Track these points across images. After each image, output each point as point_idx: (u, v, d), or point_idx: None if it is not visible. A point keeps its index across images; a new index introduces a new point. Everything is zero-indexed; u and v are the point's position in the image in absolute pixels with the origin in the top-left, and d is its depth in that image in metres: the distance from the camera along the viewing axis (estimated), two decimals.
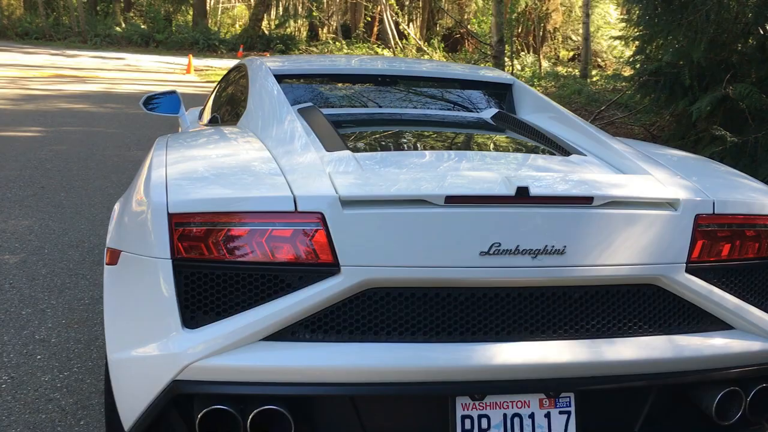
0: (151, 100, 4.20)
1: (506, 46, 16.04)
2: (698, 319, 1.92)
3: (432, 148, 2.56)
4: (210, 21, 35.29)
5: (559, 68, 24.19)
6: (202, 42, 31.43)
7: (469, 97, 3.31)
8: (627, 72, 13.81)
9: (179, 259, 1.77)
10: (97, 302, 3.71)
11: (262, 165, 2.00)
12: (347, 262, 1.73)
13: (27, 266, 4.19)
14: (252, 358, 1.74)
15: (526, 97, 3.22)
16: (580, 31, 32.72)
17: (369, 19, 26.39)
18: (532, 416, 1.83)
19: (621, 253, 1.83)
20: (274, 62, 3.34)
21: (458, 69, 3.59)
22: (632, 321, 1.88)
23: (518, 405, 1.82)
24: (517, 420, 1.82)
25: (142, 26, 32.23)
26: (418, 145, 2.58)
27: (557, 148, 2.44)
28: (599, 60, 29.05)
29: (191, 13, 35.62)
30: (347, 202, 1.75)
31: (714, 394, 1.90)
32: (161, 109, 4.21)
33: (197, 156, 2.19)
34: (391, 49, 20.84)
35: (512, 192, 1.78)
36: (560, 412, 1.84)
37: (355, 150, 2.18)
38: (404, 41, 21.57)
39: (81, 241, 4.76)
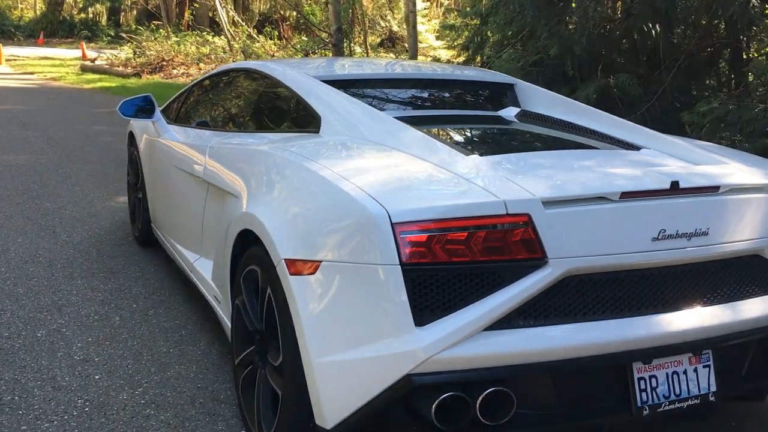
0: (129, 105, 4.08)
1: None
2: None
3: (517, 147, 2.82)
4: None
5: (387, 54, 24.88)
6: None
7: (485, 97, 3.61)
8: (463, 57, 14.65)
9: (407, 264, 1.93)
10: (107, 317, 3.60)
11: (437, 173, 2.19)
12: (553, 255, 1.99)
13: None
14: (478, 348, 1.94)
15: (533, 94, 3.57)
16: (389, 17, 33.75)
17: (198, 5, 25.51)
18: (685, 372, 2.20)
19: (739, 230, 2.25)
20: (303, 68, 3.43)
21: (466, 71, 3.86)
22: (744, 286, 2.30)
23: (675, 364, 2.18)
24: (675, 376, 2.18)
25: None
26: (514, 146, 2.84)
27: (618, 142, 2.82)
28: (406, 45, 30.24)
29: None
30: (547, 203, 2.01)
31: None
32: (140, 113, 4.10)
33: (365, 168, 2.30)
34: (224, 37, 20.37)
35: (667, 185, 2.13)
36: (703, 366, 2.23)
37: (481, 154, 2.41)
38: (234, 28, 21.18)
39: (33, 255, 4.50)
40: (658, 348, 2.13)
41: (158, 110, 4.17)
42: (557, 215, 2.01)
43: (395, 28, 30.67)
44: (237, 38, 20.42)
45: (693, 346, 2.19)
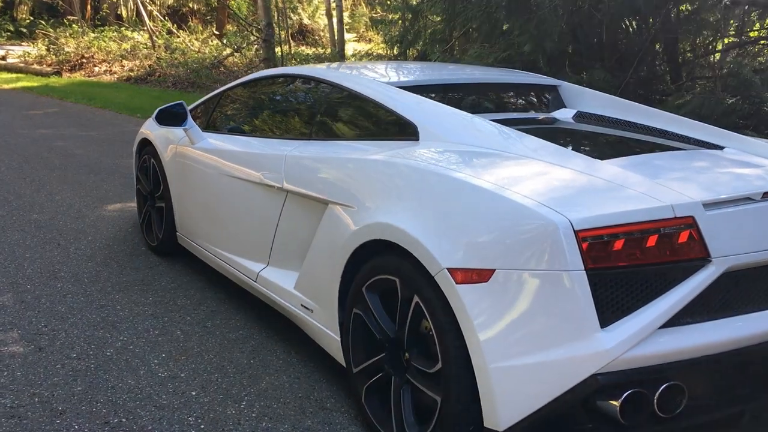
0: (163, 113, 3.98)
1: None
2: None
3: (627, 150, 2.89)
4: None
5: (304, 49, 24.71)
6: None
7: (537, 99, 3.73)
8: (395, 51, 14.82)
9: (591, 269, 2.03)
10: (167, 331, 3.52)
11: (590, 180, 2.28)
12: (716, 254, 2.13)
13: (42, 306, 3.79)
14: (656, 345, 2.07)
15: (578, 94, 3.72)
16: (299, 9, 33.42)
17: None
18: None
19: None
20: (366, 74, 3.45)
21: (511, 74, 3.96)
22: None
23: None
24: None
25: None
26: (622, 148, 2.93)
27: (695, 141, 3.00)
28: (317, 37, 30.23)
29: None
30: (706, 205, 2.14)
31: None
32: (174, 121, 4.00)
33: (517, 176, 2.34)
34: (144, 32, 19.72)
35: None
36: None
37: (602, 158, 2.52)
38: (152, 23, 20.52)
39: (52, 270, 4.32)
40: None
41: (191, 118, 4.07)
42: (715, 216, 2.15)
43: (306, 21, 30.47)
44: (158, 33, 19.83)
45: None
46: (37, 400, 2.85)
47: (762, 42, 8.21)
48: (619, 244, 2.05)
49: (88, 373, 3.09)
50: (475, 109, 3.37)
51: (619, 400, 2.04)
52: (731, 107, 6.09)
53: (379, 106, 3.11)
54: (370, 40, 30.09)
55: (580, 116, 3.52)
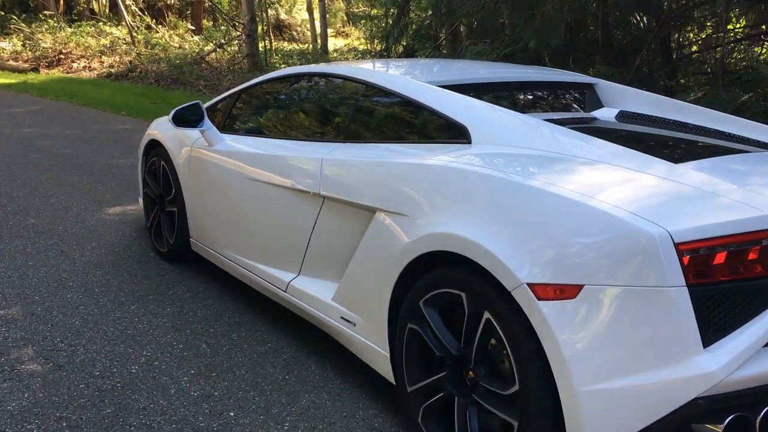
0: (179, 114, 3.78)
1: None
2: None
3: (699, 153, 2.72)
4: None
5: (285, 44, 24.42)
6: None
7: (574, 98, 3.57)
8: (379, 46, 14.61)
9: (693, 285, 1.88)
10: (192, 345, 3.33)
11: (678, 187, 2.12)
12: None
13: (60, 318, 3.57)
14: (759, 365, 1.93)
15: (616, 93, 3.57)
16: (276, 5, 33.04)
17: None
18: None
19: None
20: (403, 71, 3.27)
21: (546, 72, 3.80)
22: None
23: None
24: None
25: None
26: (694, 151, 2.77)
27: (757, 143, 2.87)
28: (294, 33, 29.93)
29: None
30: None
31: None
32: (190, 123, 3.80)
33: (598, 183, 2.18)
34: (124, 26, 19.28)
35: None
36: None
37: (676, 162, 2.38)
38: (132, 18, 20.09)
39: (59, 279, 4.10)
40: None
41: (207, 119, 3.87)
42: None
43: (283, 16, 30.13)
44: (136, 28, 19.44)
45: None
46: (65, 424, 2.65)
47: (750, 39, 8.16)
48: (721, 257, 1.91)
49: (116, 392, 2.89)
50: (520, 109, 3.21)
51: (722, 426, 1.90)
52: (743, 104, 6.00)
53: (423, 106, 2.93)
54: (347, 36, 29.80)
55: (623, 116, 3.38)
